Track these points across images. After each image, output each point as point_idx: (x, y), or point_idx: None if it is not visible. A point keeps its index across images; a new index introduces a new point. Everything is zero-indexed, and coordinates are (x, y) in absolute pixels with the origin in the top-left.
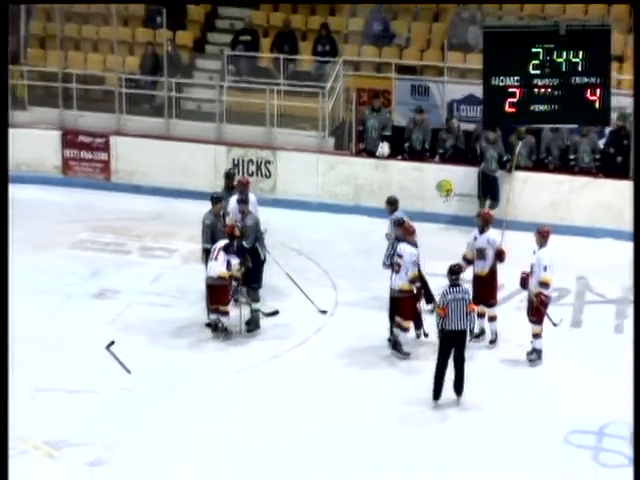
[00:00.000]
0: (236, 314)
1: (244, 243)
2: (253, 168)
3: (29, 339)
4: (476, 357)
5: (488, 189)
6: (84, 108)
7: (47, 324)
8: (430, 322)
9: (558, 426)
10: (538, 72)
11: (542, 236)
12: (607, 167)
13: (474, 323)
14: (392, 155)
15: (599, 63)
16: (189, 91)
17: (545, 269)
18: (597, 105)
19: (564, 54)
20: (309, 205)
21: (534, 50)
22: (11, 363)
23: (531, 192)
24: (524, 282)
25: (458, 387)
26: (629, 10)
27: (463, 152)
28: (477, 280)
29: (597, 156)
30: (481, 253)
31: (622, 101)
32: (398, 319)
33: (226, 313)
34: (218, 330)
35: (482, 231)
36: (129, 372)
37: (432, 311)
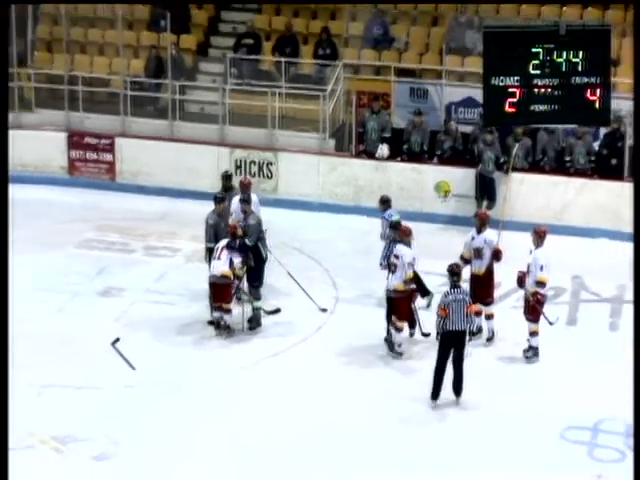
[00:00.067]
0: (238, 312)
1: (247, 241)
2: (255, 169)
3: (36, 337)
4: (473, 355)
5: (485, 190)
6: (90, 110)
7: (54, 321)
8: (428, 320)
9: (554, 422)
10: (538, 72)
11: (539, 236)
12: (602, 169)
13: (474, 324)
14: (391, 156)
15: (599, 63)
16: (192, 94)
17: (541, 268)
18: (597, 105)
19: (564, 54)
20: (310, 205)
21: (534, 50)
22: (18, 361)
23: (527, 193)
24: (521, 281)
25: (457, 387)
26: (624, 15)
27: (461, 154)
28: (474, 279)
29: (592, 158)
30: (478, 253)
31: (617, 104)
32: (393, 318)
33: (229, 311)
34: (221, 328)
35: (479, 231)
36: (134, 369)
37: (428, 305)
